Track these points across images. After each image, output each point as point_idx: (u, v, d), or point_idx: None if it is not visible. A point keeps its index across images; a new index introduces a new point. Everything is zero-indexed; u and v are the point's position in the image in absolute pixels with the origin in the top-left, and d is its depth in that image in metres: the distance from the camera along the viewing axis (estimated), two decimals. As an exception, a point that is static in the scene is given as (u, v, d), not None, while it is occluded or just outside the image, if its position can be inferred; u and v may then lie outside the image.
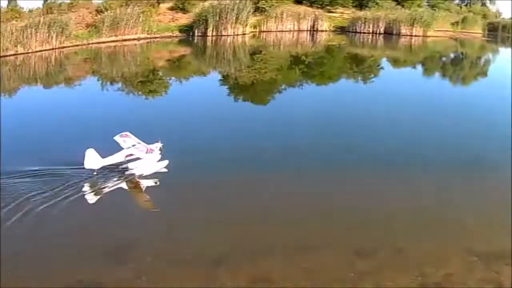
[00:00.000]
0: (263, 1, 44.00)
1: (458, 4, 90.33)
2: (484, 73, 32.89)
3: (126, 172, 10.65)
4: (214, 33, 37.63)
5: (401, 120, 16.20)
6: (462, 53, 44.37)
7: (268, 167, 11.12)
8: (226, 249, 7.62)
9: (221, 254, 7.46)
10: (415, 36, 46.69)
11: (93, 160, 10.17)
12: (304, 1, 50.72)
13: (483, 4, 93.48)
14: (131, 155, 10.68)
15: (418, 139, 13.96)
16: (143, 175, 10.60)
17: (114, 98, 19.27)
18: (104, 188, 10.06)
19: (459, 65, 36.45)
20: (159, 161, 10.84)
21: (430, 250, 7.80)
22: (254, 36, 41.89)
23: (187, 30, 38.46)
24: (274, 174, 10.67)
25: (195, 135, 13.57)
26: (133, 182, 10.42)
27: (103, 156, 10.28)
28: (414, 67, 33.30)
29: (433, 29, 50.23)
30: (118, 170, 10.67)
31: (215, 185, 10.11)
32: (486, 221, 8.97)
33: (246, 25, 40.13)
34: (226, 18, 37.75)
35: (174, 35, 38.03)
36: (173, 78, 24.36)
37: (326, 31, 47.33)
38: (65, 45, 30.25)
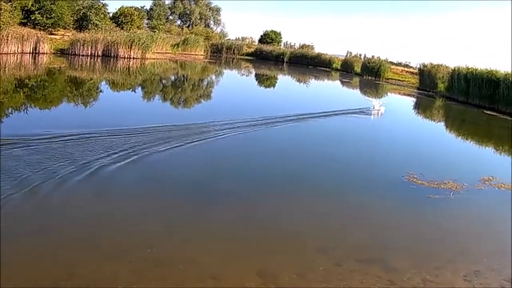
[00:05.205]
0: (-12, 25, 43.99)
1: (179, 26, 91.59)
2: (208, 95, 33.34)
3: (377, 109, 26.06)
4: None
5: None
6: (183, 75, 44.45)
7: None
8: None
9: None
10: (134, 58, 47.34)
11: (375, 102, 26.45)
12: (28, 23, 51.90)
13: (207, 25, 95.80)
14: (379, 103, 26.61)
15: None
16: (381, 111, 25.82)
17: None
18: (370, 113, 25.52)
19: (181, 87, 36.14)
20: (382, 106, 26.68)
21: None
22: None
23: None
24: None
25: None
26: (378, 113, 25.50)
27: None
28: (134, 90, 33.34)
29: (152, 51, 51.14)
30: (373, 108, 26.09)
31: None
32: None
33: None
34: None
35: None
36: None
37: (47, 53, 47.77)
38: None
